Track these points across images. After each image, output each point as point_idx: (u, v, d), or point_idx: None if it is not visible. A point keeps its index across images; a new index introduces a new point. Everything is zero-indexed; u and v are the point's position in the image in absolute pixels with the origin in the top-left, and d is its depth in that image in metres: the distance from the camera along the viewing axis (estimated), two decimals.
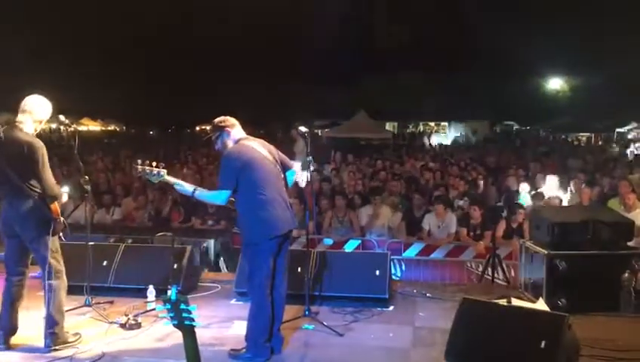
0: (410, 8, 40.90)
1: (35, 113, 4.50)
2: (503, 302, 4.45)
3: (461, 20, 41.70)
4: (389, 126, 40.14)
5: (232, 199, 4.55)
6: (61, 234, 4.67)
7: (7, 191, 4.44)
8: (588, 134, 34.94)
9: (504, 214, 7.92)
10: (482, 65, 36.87)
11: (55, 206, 4.59)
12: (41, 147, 4.41)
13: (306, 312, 5.24)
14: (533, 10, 38.78)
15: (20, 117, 4.46)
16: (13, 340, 4.64)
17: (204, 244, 7.80)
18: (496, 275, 7.01)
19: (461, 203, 9.00)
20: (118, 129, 47.64)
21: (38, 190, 4.45)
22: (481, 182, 10.59)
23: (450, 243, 8.08)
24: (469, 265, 7.93)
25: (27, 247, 4.60)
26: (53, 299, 4.53)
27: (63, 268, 4.64)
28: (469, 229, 8.23)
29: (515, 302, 4.52)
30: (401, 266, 8.06)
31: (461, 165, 13.86)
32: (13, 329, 4.62)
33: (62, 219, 4.65)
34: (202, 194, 4.56)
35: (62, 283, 4.62)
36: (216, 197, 4.46)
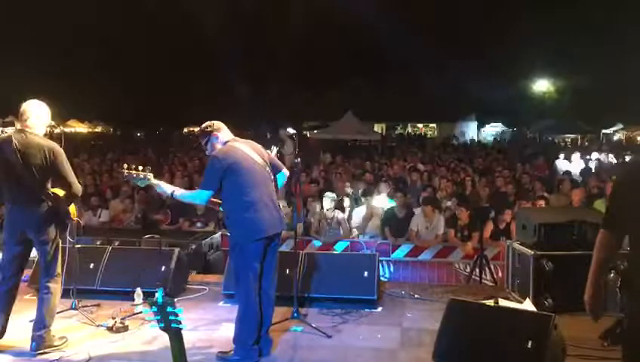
0: (398, 9, 41.06)
1: (42, 117, 4.56)
2: (490, 302, 4.47)
3: (448, 21, 41.98)
4: (377, 127, 40.25)
5: (218, 201, 4.55)
6: (68, 236, 4.71)
7: (19, 196, 4.44)
8: (574, 136, 35.27)
9: (491, 215, 7.97)
10: (470, 67, 37.09)
11: (74, 207, 4.69)
12: (61, 149, 4.51)
13: (295, 314, 5.24)
14: (519, 12, 39.13)
15: (28, 122, 4.49)
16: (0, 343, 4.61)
17: (193, 246, 7.77)
18: (483, 276, 7.06)
19: (449, 203, 9.05)
20: (105, 131, 47.32)
21: (51, 193, 4.50)
22: (469, 183, 10.65)
23: (438, 245, 8.12)
24: (456, 266, 7.98)
25: (28, 252, 4.63)
26: (49, 301, 4.54)
27: (61, 273, 4.65)
28: (456, 230, 8.27)
29: (502, 302, 4.54)
30: (389, 267, 8.09)
31: (450, 166, 13.94)
32: (2, 333, 4.59)
33: (77, 219, 4.78)
34: (182, 194, 4.57)
35: (59, 287, 4.64)
36: (196, 196, 4.49)
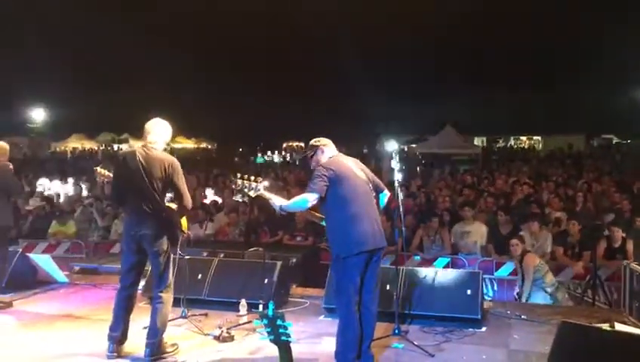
0: (505, 20, 39.99)
1: (161, 134, 4.89)
2: (605, 326, 4.20)
3: (555, 30, 40.27)
4: (477, 141, 39.12)
5: (321, 216, 4.62)
6: (178, 249, 5.00)
7: (139, 208, 4.70)
8: None
9: (605, 233, 7.49)
10: (578, 76, 35.27)
11: (185, 221, 5.00)
12: (178, 163, 4.83)
13: (396, 331, 5.19)
14: (632, 17, 36.79)
15: (150, 138, 4.83)
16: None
17: (293, 259, 7.90)
18: (597, 298, 6.63)
19: (558, 214, 8.61)
20: (210, 146, 49.43)
21: (167, 206, 4.81)
22: (580, 200, 10.06)
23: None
24: (566, 286, 7.55)
25: (145, 261, 4.91)
26: (162, 311, 4.78)
27: (172, 283, 4.90)
28: (566, 248, 7.82)
29: (619, 326, 4.26)
30: (492, 286, 7.81)
31: (558, 181, 13.25)
32: (123, 339, 4.88)
33: (188, 233, 5.09)
34: (287, 205, 4.63)
35: (171, 296, 4.88)
36: (300, 201, 4.51)
